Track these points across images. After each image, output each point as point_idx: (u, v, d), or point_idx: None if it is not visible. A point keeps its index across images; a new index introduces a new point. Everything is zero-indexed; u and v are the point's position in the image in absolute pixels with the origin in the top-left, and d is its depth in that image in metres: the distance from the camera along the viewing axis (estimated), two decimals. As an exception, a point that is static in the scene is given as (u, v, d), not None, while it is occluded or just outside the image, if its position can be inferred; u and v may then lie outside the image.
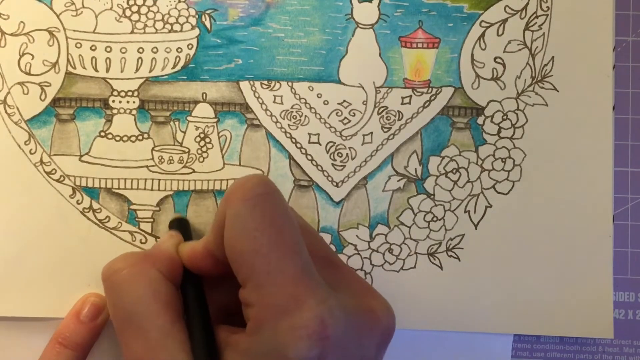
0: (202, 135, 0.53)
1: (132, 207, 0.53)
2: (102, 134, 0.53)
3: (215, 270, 0.45)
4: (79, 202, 0.53)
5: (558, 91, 0.54)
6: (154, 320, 0.42)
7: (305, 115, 0.54)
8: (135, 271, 0.44)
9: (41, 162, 0.53)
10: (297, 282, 0.40)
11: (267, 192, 0.42)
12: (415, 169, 0.54)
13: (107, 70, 0.53)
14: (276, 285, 0.40)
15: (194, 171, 0.53)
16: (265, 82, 0.54)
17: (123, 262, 0.45)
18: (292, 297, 0.39)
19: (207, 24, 0.54)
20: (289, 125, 0.54)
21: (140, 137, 0.54)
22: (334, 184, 0.54)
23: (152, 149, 0.53)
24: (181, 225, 0.50)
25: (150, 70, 0.54)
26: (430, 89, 0.54)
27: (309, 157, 0.54)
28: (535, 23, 0.54)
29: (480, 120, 0.54)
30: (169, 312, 0.42)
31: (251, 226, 0.41)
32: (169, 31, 0.54)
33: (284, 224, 0.41)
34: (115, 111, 0.53)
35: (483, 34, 0.54)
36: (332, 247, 0.53)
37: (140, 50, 0.53)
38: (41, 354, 0.50)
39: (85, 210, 0.53)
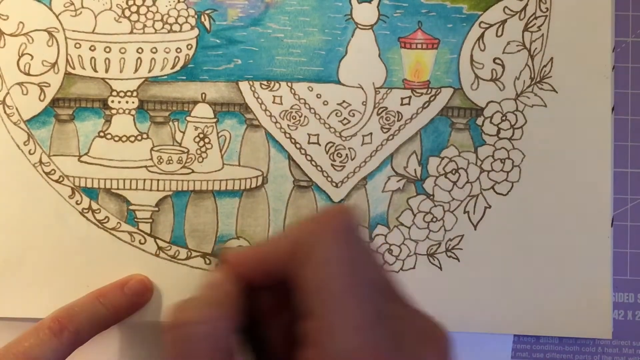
0: (201, 136, 0.53)
1: (131, 207, 0.53)
2: (101, 134, 0.53)
3: (259, 280, 0.42)
4: (78, 202, 0.53)
5: (557, 92, 0.54)
6: None
7: (305, 116, 0.54)
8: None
9: (40, 162, 0.53)
10: (367, 333, 0.37)
11: (355, 227, 0.40)
12: (415, 170, 0.54)
13: (106, 71, 0.53)
14: (347, 331, 0.37)
15: (193, 171, 0.53)
16: (265, 82, 0.54)
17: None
18: (362, 347, 0.37)
19: (207, 24, 0.54)
20: (288, 125, 0.54)
21: (139, 138, 0.54)
22: (334, 184, 0.54)
23: (151, 149, 0.53)
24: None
25: (150, 71, 0.54)
26: (430, 89, 0.54)
27: (309, 158, 0.54)
28: (534, 24, 0.54)
29: (479, 121, 0.54)
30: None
31: (342, 260, 0.39)
32: (168, 31, 0.54)
33: (367, 263, 0.40)
34: (114, 111, 0.53)
35: (482, 35, 0.54)
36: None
37: (140, 50, 0.53)
38: (75, 300, 0.50)
39: (85, 211, 0.53)
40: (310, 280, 0.39)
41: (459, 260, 0.53)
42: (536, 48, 0.54)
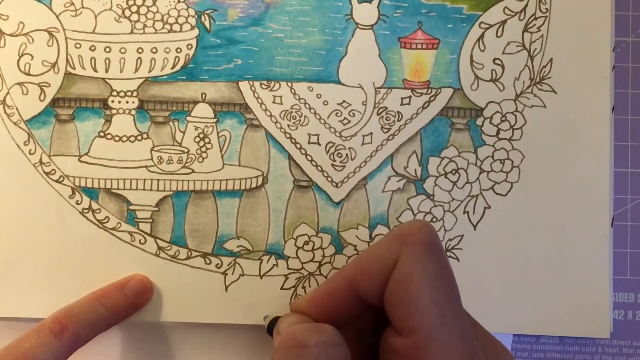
0: (201, 136, 0.53)
1: (132, 207, 0.53)
2: (102, 134, 0.53)
3: (348, 310, 0.42)
4: (79, 202, 0.53)
5: (556, 93, 0.54)
6: None
7: (305, 116, 0.54)
8: None
9: (40, 162, 0.53)
10: (467, 341, 0.38)
11: (438, 240, 0.40)
12: (415, 170, 0.54)
13: (107, 71, 0.53)
14: (449, 343, 0.37)
15: (193, 171, 0.53)
16: (265, 82, 0.54)
17: None
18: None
19: (207, 24, 0.54)
20: (288, 125, 0.54)
21: (139, 137, 0.53)
22: (334, 184, 0.54)
23: (152, 149, 0.53)
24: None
25: (150, 71, 0.54)
26: (430, 89, 0.54)
27: (309, 158, 0.54)
28: (534, 25, 0.54)
29: (479, 121, 0.54)
30: None
31: (431, 274, 0.38)
32: (169, 31, 0.54)
33: (451, 277, 0.40)
34: (114, 111, 0.53)
35: (482, 35, 0.54)
36: (332, 247, 0.53)
37: (140, 50, 0.53)
38: (75, 301, 0.50)
39: (85, 211, 0.53)
40: (401, 298, 0.38)
41: (458, 260, 0.53)
42: (536, 49, 0.54)
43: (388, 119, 0.54)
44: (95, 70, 0.53)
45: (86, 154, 0.53)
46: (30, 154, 0.53)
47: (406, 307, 0.38)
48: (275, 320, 0.46)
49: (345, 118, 0.54)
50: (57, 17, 0.53)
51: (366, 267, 0.40)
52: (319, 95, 0.54)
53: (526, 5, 0.55)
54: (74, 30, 0.53)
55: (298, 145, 0.54)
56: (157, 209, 0.53)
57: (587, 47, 0.54)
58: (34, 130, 0.53)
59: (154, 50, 0.53)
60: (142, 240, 0.53)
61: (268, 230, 0.53)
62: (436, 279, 0.38)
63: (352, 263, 0.42)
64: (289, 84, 0.54)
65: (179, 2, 0.54)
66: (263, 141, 0.54)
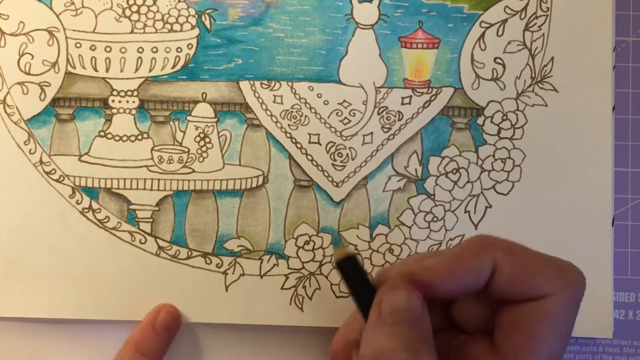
0: (201, 135, 0.53)
1: (132, 207, 0.53)
2: (102, 133, 0.53)
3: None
4: (79, 202, 0.53)
5: (557, 92, 0.54)
6: None
7: (306, 115, 0.54)
8: None
9: (41, 162, 0.53)
10: None
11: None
12: (416, 169, 0.54)
13: (107, 70, 0.53)
14: None
15: (193, 171, 0.53)
16: (265, 82, 0.54)
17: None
18: None
19: (207, 23, 0.54)
20: (289, 125, 0.54)
21: (139, 137, 0.53)
22: (334, 184, 0.54)
23: (152, 149, 0.53)
24: (351, 265, 0.43)
25: (150, 70, 0.54)
26: (430, 89, 0.54)
27: (309, 157, 0.54)
28: (535, 24, 0.54)
29: (480, 120, 0.54)
30: None
31: (564, 331, 0.41)
32: (169, 31, 0.54)
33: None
34: (114, 111, 0.53)
35: (483, 35, 0.54)
36: (332, 247, 0.53)
37: (140, 50, 0.53)
38: (116, 356, 0.50)
39: (85, 210, 0.53)
40: (531, 328, 0.40)
41: (459, 260, 0.53)
42: (537, 47, 0.54)
43: (388, 118, 0.54)
44: (96, 70, 0.53)
45: (86, 153, 0.53)
46: (31, 153, 0.53)
47: (528, 341, 0.39)
48: (350, 259, 0.43)
49: (345, 118, 0.54)
50: (57, 16, 0.53)
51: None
52: (319, 95, 0.54)
53: (527, 4, 0.55)
54: (74, 30, 0.53)
55: (298, 145, 0.54)
56: (157, 208, 0.53)
57: (588, 46, 0.54)
58: (34, 130, 0.53)
59: (155, 49, 0.53)
60: (143, 240, 0.53)
61: (268, 230, 0.53)
62: (568, 334, 0.40)
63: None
64: (290, 83, 0.54)
65: (179, 1, 0.54)
66: (263, 141, 0.54)
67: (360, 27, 0.54)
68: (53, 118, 0.53)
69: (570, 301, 0.40)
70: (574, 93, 0.54)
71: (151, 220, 0.53)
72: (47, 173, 0.53)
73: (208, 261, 0.53)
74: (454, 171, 0.54)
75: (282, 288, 0.53)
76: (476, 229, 0.54)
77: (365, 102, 0.54)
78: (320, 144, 0.54)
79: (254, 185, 0.53)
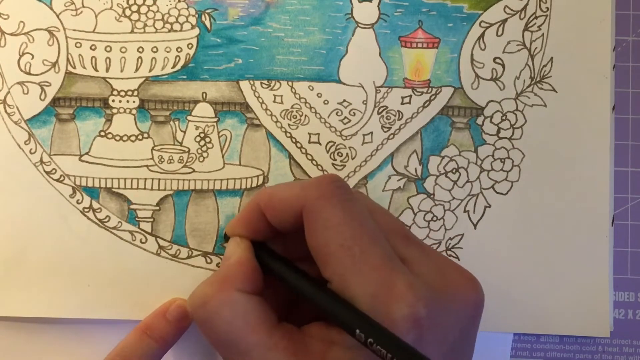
0: (202, 135, 0.53)
1: (132, 206, 0.53)
2: (102, 133, 0.53)
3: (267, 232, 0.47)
4: (79, 201, 0.53)
5: (557, 92, 0.54)
6: (251, 341, 0.42)
7: (306, 115, 0.54)
8: (217, 302, 0.43)
9: (41, 161, 0.53)
10: (382, 269, 0.41)
11: (343, 187, 0.44)
12: (415, 169, 0.54)
13: (107, 70, 0.53)
14: (362, 274, 0.40)
15: (194, 171, 0.53)
16: (265, 81, 0.54)
17: (203, 296, 0.44)
18: (380, 284, 0.40)
19: (207, 23, 0.54)
20: (289, 124, 0.54)
21: (140, 137, 0.54)
22: (334, 183, 0.54)
23: (152, 149, 0.53)
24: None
25: (150, 70, 0.54)
26: (430, 88, 0.54)
27: (309, 157, 0.54)
28: (535, 24, 0.54)
29: (479, 120, 0.54)
30: (263, 326, 0.42)
31: (335, 222, 0.42)
32: (169, 31, 0.54)
33: (362, 217, 0.43)
34: (115, 111, 0.53)
35: (483, 34, 0.54)
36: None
37: (140, 49, 0.53)
38: (124, 339, 0.50)
39: (85, 210, 0.53)
40: (314, 241, 0.43)
41: (458, 259, 0.53)
42: (536, 47, 0.54)
43: (388, 118, 0.54)
44: (96, 70, 0.53)
45: (87, 153, 0.53)
46: (31, 153, 0.53)
47: (322, 254, 0.42)
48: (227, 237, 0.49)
49: (345, 117, 0.54)
50: (57, 16, 0.53)
51: (277, 206, 0.45)
52: (319, 95, 0.54)
53: (527, 4, 0.55)
54: (74, 30, 0.53)
55: (298, 145, 0.54)
56: (157, 208, 0.53)
57: (588, 46, 0.54)
58: (35, 130, 0.53)
59: (155, 49, 0.53)
60: (143, 240, 0.53)
61: (269, 229, 0.53)
62: (339, 225, 0.42)
63: (266, 196, 0.46)
64: (290, 83, 0.54)
65: (179, 1, 0.54)
66: (264, 140, 0.54)
67: (360, 27, 0.54)
68: (53, 118, 0.53)
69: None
70: (574, 93, 0.54)
71: (151, 219, 0.53)
72: (48, 173, 0.53)
73: (208, 260, 0.53)
74: (454, 171, 0.54)
75: (282, 287, 0.53)
76: (475, 228, 0.54)
77: (365, 102, 0.54)
78: (320, 144, 0.54)
79: (254, 185, 0.53)
